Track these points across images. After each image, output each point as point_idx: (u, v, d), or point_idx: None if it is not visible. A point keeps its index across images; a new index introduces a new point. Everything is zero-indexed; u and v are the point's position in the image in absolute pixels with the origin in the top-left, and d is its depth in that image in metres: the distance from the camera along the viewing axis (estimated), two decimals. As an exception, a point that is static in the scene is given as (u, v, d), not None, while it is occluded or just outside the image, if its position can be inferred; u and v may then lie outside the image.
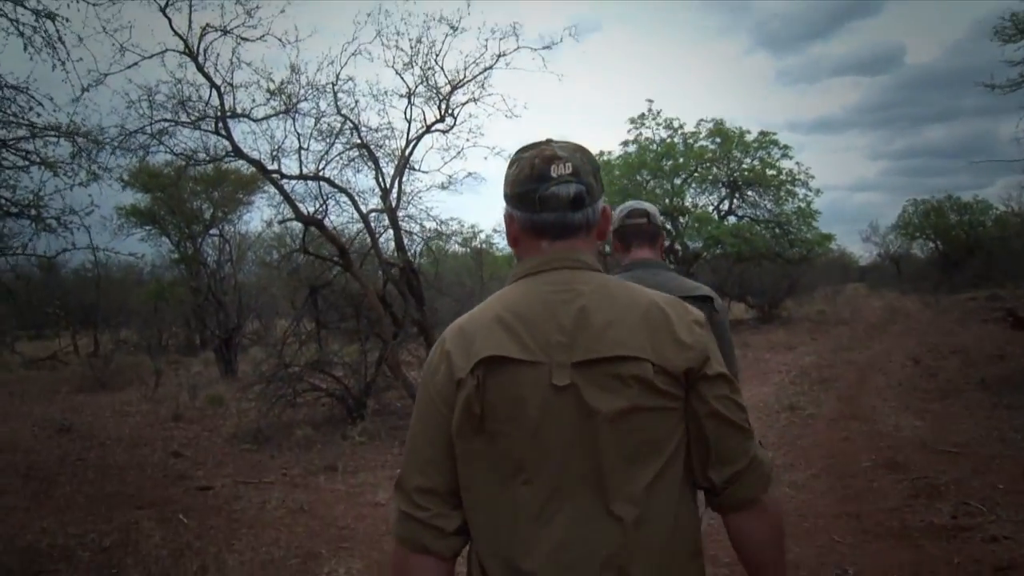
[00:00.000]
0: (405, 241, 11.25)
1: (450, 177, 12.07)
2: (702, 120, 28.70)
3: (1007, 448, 8.12)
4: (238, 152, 10.17)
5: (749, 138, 28.55)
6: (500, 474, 1.70)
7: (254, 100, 10.62)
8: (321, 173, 10.71)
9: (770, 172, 28.58)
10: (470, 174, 12.37)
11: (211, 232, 21.59)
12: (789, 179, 28.79)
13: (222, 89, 10.15)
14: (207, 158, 10.77)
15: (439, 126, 11.56)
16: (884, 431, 9.32)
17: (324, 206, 10.95)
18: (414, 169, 11.86)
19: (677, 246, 28.94)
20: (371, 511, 7.38)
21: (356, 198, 10.94)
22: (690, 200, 29.49)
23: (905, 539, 5.80)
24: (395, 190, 11.11)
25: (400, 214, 11.22)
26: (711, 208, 29.47)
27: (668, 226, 29.33)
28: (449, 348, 1.76)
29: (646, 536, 1.66)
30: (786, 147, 28.72)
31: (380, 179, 11.18)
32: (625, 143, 28.66)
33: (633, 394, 1.65)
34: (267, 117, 10.36)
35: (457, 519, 1.76)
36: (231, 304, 19.37)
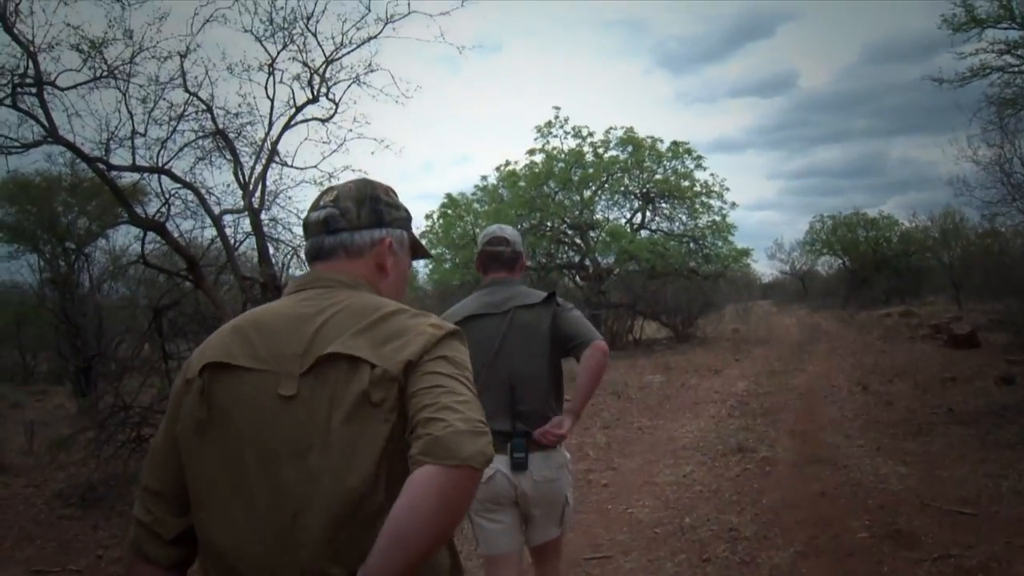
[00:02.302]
0: (271, 251, 9.13)
1: (330, 175, 10.01)
2: (612, 128, 27.21)
3: (1032, 506, 6.41)
4: (52, 134, 7.89)
5: (662, 147, 27.11)
6: (224, 478, 1.66)
7: (60, 63, 8.29)
8: (165, 165, 8.53)
9: (684, 183, 27.17)
10: (354, 172, 10.36)
11: (84, 250, 19.01)
12: (704, 190, 27.47)
13: (37, 54, 7.92)
14: (13, 142, 8.37)
15: (316, 112, 9.54)
16: (864, 481, 7.52)
17: (167, 206, 8.76)
18: (285, 164, 9.76)
19: (587, 262, 27.27)
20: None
21: (205, 196, 8.73)
22: (601, 213, 27.89)
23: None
24: (259, 188, 8.99)
25: (264, 217, 9.12)
26: (623, 221, 27.87)
27: (578, 240, 27.66)
28: (195, 350, 1.78)
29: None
30: (699, 157, 27.62)
31: (240, 174, 9.04)
32: (531, 152, 26.85)
33: (352, 398, 1.61)
34: (77, 85, 8.12)
35: (178, 527, 1.73)
36: (90, 328, 16.87)
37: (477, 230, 26.47)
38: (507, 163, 27.61)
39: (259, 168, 9.19)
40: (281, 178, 9.81)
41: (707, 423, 11.28)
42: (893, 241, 49.16)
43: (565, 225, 27.37)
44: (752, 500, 7.18)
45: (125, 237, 18.31)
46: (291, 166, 9.73)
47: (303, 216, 1.88)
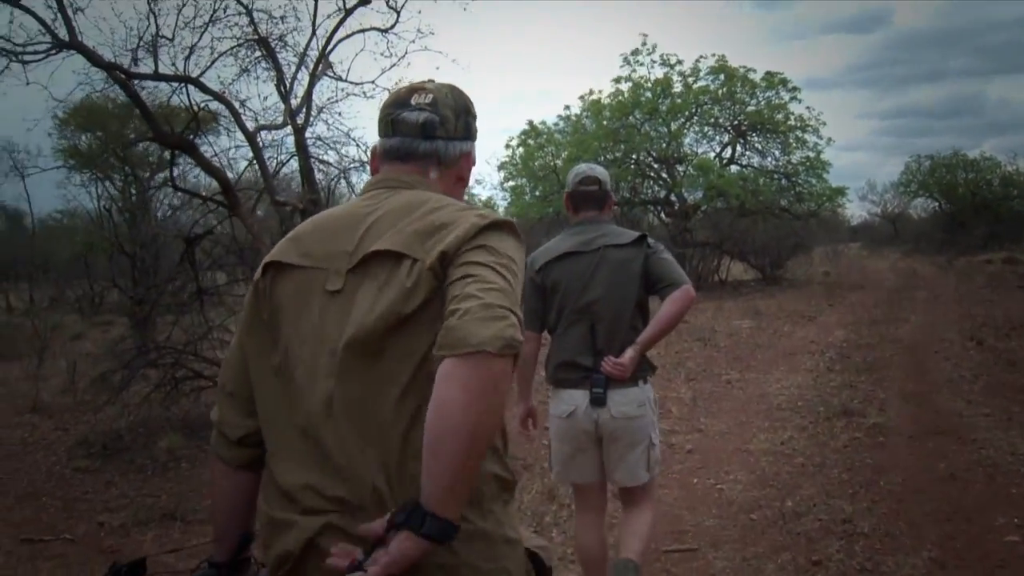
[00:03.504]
0: (317, 174, 8.13)
1: (389, 92, 8.96)
2: (702, 56, 25.58)
3: None
4: (70, 40, 6.92)
5: (755, 77, 25.45)
6: (281, 379, 1.68)
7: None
8: (193, 74, 7.53)
9: (778, 116, 25.56)
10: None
11: (155, 178, 18.26)
12: (799, 124, 25.80)
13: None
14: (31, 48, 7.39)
15: (374, 21, 8.47)
16: (1000, 462, 6.35)
17: (195, 122, 7.75)
18: (339, 78, 8.70)
19: (673, 197, 25.93)
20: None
21: (239, 110, 7.72)
22: (689, 147, 26.43)
23: None
24: (304, 104, 7.95)
25: (309, 135, 8.09)
26: (712, 155, 26.37)
27: (664, 174, 26.31)
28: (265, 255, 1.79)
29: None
30: (795, 89, 25.75)
31: (282, 86, 8.01)
32: (617, 80, 25.42)
33: (396, 293, 1.57)
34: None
35: (242, 428, 1.76)
36: (148, 259, 16.17)
37: (558, 162, 25.33)
38: (591, 92, 26.28)
39: (304, 80, 8.16)
40: (336, 93, 8.78)
41: (804, 378, 10.11)
42: (994, 184, 46.71)
43: (651, 158, 26.04)
44: (866, 481, 6.06)
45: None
46: (345, 80, 8.66)
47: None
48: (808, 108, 27.87)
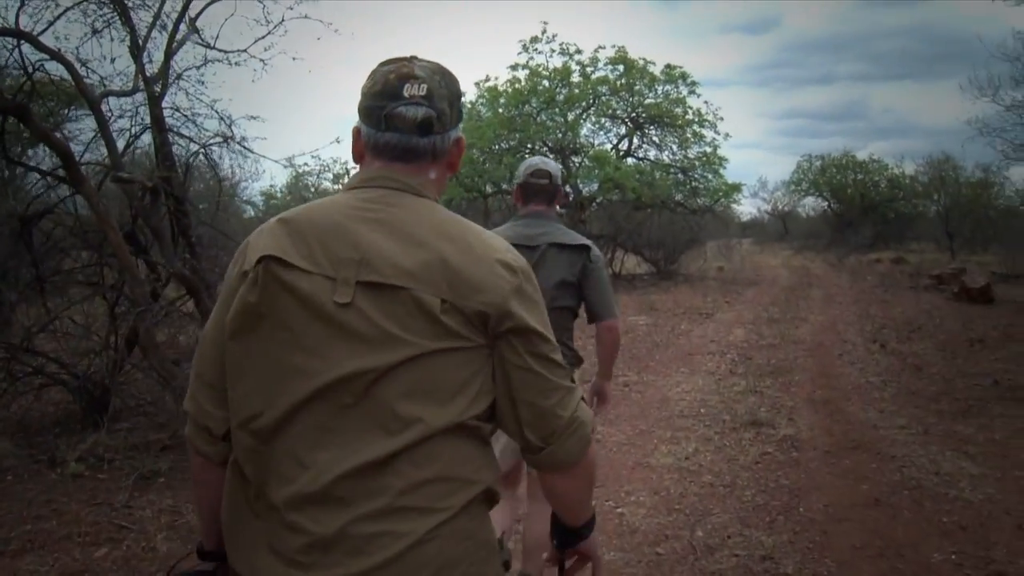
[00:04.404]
0: (175, 149, 7.08)
1: (264, 63, 7.94)
2: (601, 47, 24.96)
3: None
4: None
5: (654, 70, 24.94)
6: (268, 384, 1.61)
7: None
8: (28, 29, 6.40)
9: (677, 110, 25.13)
10: (294, 58, 8.32)
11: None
12: (697, 119, 25.40)
13: None
14: None
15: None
16: (925, 483, 5.77)
17: (29, 84, 6.67)
18: (208, 46, 7.65)
19: (568, 188, 25.30)
20: None
21: (77, 69, 6.58)
22: (586, 138, 25.81)
23: None
24: (162, 73, 6.89)
25: (166, 106, 7.04)
26: (609, 147, 25.82)
27: (560, 165, 25.67)
28: (250, 239, 1.70)
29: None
30: (694, 83, 25.31)
31: (135, 46, 6.95)
32: (514, 67, 24.61)
33: (420, 329, 1.55)
34: None
35: (227, 423, 1.68)
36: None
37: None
38: (487, 79, 25.45)
39: (162, 44, 7.12)
40: (197, 59, 7.73)
41: (706, 381, 9.48)
42: (881, 186, 47.57)
43: (547, 148, 25.33)
44: (784, 506, 5.40)
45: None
46: (214, 48, 7.61)
47: (363, 100, 1.72)
48: (706, 103, 27.62)
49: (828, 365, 10.45)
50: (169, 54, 7.12)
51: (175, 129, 7.25)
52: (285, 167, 7.50)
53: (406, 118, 1.68)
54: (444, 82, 1.74)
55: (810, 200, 54.86)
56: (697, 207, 26.33)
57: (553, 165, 3.89)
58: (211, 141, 7.42)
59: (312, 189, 33.58)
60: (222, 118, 7.38)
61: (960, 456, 6.39)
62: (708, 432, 7.27)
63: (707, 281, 24.59)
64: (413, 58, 1.76)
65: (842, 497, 5.53)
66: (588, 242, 3.75)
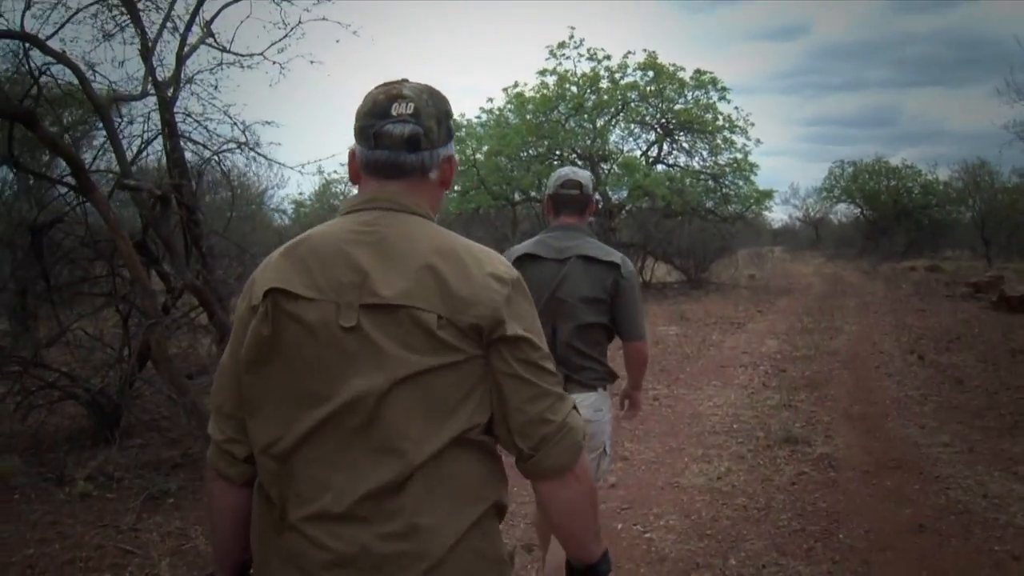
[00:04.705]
0: (188, 156, 6.85)
1: (281, 67, 7.74)
2: (630, 52, 24.68)
3: None
4: None
5: (684, 76, 24.62)
6: (285, 411, 1.67)
7: None
8: (34, 32, 6.18)
9: (707, 116, 24.78)
10: (312, 62, 8.08)
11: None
12: (727, 125, 25.03)
13: None
14: None
15: (262, -16, 7.24)
16: (973, 507, 5.44)
17: (36, 88, 6.47)
18: (223, 49, 7.45)
19: (597, 195, 24.98)
20: None
21: (84, 73, 6.36)
22: (615, 144, 25.49)
23: None
24: (174, 77, 6.68)
25: (178, 111, 6.81)
26: (638, 153, 25.49)
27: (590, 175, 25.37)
28: (256, 275, 1.76)
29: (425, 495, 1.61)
30: (724, 88, 24.93)
31: (145, 49, 6.73)
32: (542, 72, 24.34)
33: (419, 346, 1.60)
34: None
35: (249, 447, 1.74)
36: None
37: (479, 156, 24.18)
38: (515, 85, 25.19)
39: (174, 45, 6.91)
40: (209, 62, 7.52)
41: (738, 395, 9.17)
42: (915, 192, 46.85)
43: (575, 155, 25.02)
44: (822, 532, 5.09)
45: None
46: (228, 51, 7.40)
47: (356, 120, 1.77)
48: (736, 108, 27.25)
49: (865, 378, 10.11)
50: (181, 58, 6.91)
51: (187, 135, 7.03)
52: (302, 173, 7.17)
53: (393, 135, 1.73)
54: (432, 101, 1.79)
55: (842, 207, 54.26)
56: (728, 214, 25.94)
57: (584, 175, 3.84)
58: (224, 147, 7.18)
59: (340, 197, 33.54)
60: (235, 123, 7.15)
61: (1009, 477, 6.06)
62: (741, 450, 6.97)
63: (738, 290, 24.20)
64: (403, 80, 1.82)
65: (884, 522, 5.22)
66: (620, 258, 3.67)
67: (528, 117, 23.91)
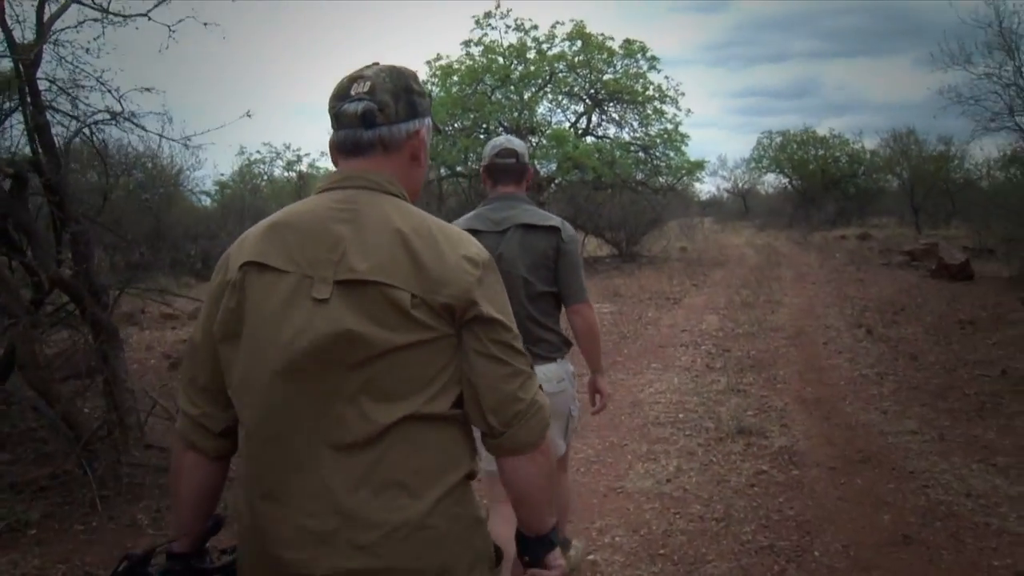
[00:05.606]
0: (55, 130, 5.85)
1: (170, 28, 6.75)
2: (558, 22, 23.88)
3: None
4: None
5: (613, 45, 23.90)
6: (259, 374, 1.69)
7: None
8: None
9: (637, 86, 24.10)
10: (205, 24, 7.10)
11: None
12: (657, 95, 24.38)
13: None
14: None
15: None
16: (958, 509, 4.79)
17: None
18: (103, 10, 6.43)
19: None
20: None
21: None
22: (542, 116, 24.71)
23: None
24: (39, 40, 5.68)
25: (41, 77, 5.80)
26: (567, 125, 24.75)
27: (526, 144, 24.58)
28: (231, 250, 1.78)
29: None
30: (654, 58, 24.27)
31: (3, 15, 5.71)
32: (467, 43, 23.45)
33: (390, 323, 1.62)
34: None
35: (225, 420, 1.79)
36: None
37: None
38: (438, 57, 24.24)
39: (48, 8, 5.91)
40: (81, 18, 6.47)
41: (682, 379, 8.45)
42: (842, 161, 46.96)
43: (502, 128, 24.20)
44: (795, 547, 4.38)
45: None
46: (107, 11, 6.40)
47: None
48: (667, 78, 26.65)
49: (814, 356, 9.47)
50: (41, 17, 5.90)
51: (50, 103, 6.03)
52: (187, 147, 6.22)
53: (348, 113, 1.78)
54: (389, 78, 1.81)
55: (770, 177, 54.42)
56: (659, 186, 25.36)
57: (519, 143, 3.77)
58: (93, 119, 6.17)
59: (264, 177, 32.28)
60: (109, 91, 6.14)
61: (989, 470, 5.43)
62: (690, 444, 6.26)
63: (671, 263, 23.60)
64: (374, 64, 1.85)
65: (863, 533, 4.52)
66: (559, 222, 3.61)
67: (453, 90, 23.04)
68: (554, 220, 3.60)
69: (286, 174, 31.78)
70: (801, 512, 4.85)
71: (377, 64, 1.85)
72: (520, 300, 3.44)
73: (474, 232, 3.35)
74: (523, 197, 3.71)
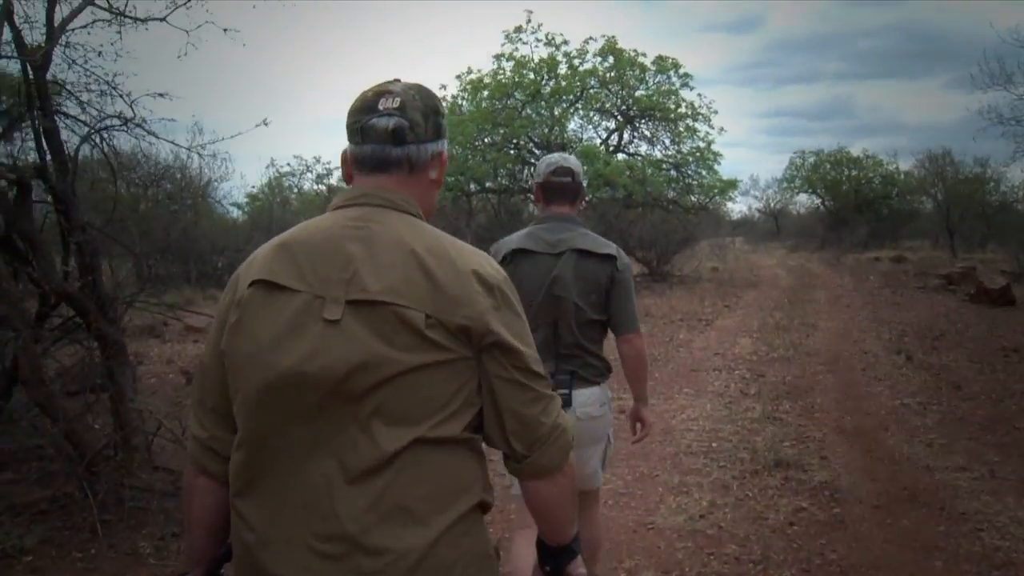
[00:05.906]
0: (64, 135, 5.63)
1: (188, 33, 6.54)
2: (590, 38, 23.64)
3: None
4: None
5: (645, 61, 23.63)
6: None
7: None
8: None
9: (669, 103, 23.82)
10: (225, 30, 6.89)
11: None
12: (690, 112, 24.08)
13: None
14: None
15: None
16: (1015, 555, 4.45)
17: None
18: (119, 12, 6.24)
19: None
20: None
21: None
22: (573, 132, 24.47)
23: None
24: (51, 44, 5.49)
25: (50, 80, 5.58)
26: (598, 142, 24.49)
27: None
28: (240, 270, 1.75)
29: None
30: (687, 75, 24.00)
31: (9, 5, 5.52)
32: (498, 57, 23.24)
33: (403, 343, 1.58)
34: None
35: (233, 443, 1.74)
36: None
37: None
38: (469, 71, 24.05)
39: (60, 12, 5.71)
40: (94, 21, 6.27)
41: (715, 405, 8.13)
42: (875, 182, 46.40)
43: (532, 143, 23.97)
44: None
45: None
46: (123, 14, 6.19)
47: (346, 120, 1.79)
48: (700, 95, 26.34)
49: (852, 383, 9.12)
50: (49, 21, 5.68)
51: (61, 108, 5.82)
52: (199, 154, 6.06)
53: (378, 128, 1.74)
54: (419, 96, 1.79)
55: (802, 198, 53.89)
56: (691, 205, 25.02)
57: (574, 161, 3.65)
58: (102, 124, 5.94)
59: (295, 190, 32.18)
60: (122, 96, 5.90)
61: (1044, 512, 5.07)
62: (724, 476, 5.94)
63: (703, 283, 23.25)
64: (396, 80, 1.84)
65: (914, 582, 4.20)
66: (615, 249, 3.53)
67: (483, 104, 22.84)
68: (610, 248, 3.53)
69: (315, 187, 31.74)
70: (845, 556, 4.52)
71: (399, 80, 1.83)
72: (570, 325, 3.43)
73: (526, 253, 3.49)
74: (577, 220, 3.63)
